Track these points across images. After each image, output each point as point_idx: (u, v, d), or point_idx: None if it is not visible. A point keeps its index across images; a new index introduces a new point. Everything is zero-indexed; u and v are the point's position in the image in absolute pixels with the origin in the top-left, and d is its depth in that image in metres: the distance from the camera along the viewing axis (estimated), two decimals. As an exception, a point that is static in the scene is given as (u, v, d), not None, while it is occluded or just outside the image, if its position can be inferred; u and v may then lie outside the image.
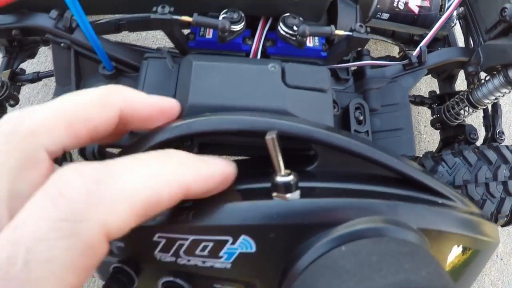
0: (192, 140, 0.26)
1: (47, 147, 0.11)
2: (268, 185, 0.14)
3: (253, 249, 0.13)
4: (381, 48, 0.65)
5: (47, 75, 0.44)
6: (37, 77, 0.44)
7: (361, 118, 0.34)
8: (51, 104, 0.12)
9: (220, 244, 0.13)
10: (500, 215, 0.40)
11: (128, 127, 0.14)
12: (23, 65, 0.45)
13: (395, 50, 0.63)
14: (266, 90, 0.27)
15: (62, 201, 0.09)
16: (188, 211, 0.13)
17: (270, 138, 0.12)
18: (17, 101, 0.44)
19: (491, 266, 0.65)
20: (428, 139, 0.64)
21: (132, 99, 0.14)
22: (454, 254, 0.16)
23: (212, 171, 0.13)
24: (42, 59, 0.62)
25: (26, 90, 0.62)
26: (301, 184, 0.14)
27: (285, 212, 0.13)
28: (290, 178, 0.13)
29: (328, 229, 0.13)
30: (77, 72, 0.35)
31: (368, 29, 0.32)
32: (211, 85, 0.27)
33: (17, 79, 0.44)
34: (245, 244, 0.13)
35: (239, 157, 0.20)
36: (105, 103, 0.13)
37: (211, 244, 0.13)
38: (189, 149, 0.28)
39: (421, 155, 0.47)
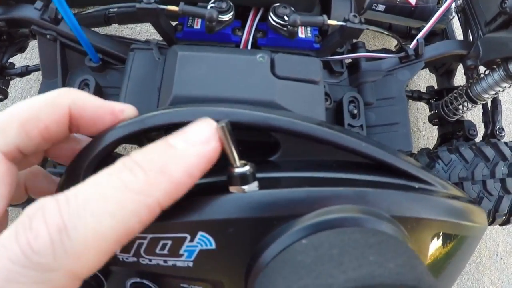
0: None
1: (0, 147, 0.12)
2: (225, 178, 0.13)
3: (213, 246, 0.12)
4: (379, 43, 0.64)
5: (36, 68, 0.43)
6: (26, 71, 0.43)
7: (355, 112, 0.33)
8: (6, 109, 0.13)
9: (179, 242, 0.12)
10: (498, 213, 0.39)
11: (81, 130, 0.14)
12: (17, 61, 0.45)
13: (393, 45, 0.62)
14: (254, 81, 0.26)
15: (31, 253, 0.09)
16: None
17: (220, 127, 0.12)
18: (5, 95, 0.43)
19: (491, 265, 0.64)
20: (427, 135, 0.63)
21: (81, 100, 0.14)
22: (437, 242, 0.15)
23: (188, 165, 0.11)
24: (36, 54, 0.62)
25: (19, 85, 0.61)
26: (261, 175, 0.13)
27: (243, 206, 0.12)
28: (246, 168, 0.12)
29: (291, 221, 0.12)
30: (64, 64, 0.34)
31: (363, 19, 0.31)
32: (197, 76, 0.26)
33: (5, 73, 0.43)
34: (204, 241, 0.12)
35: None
36: (54, 103, 0.13)
37: (169, 242, 0.12)
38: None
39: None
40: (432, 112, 0.47)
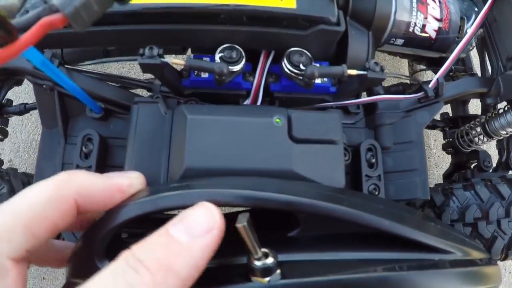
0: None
1: (9, 255, 0.12)
2: (245, 260, 0.13)
3: None
4: (391, 65, 0.61)
5: (34, 107, 0.41)
6: (24, 109, 0.41)
7: (373, 160, 0.31)
8: (6, 208, 0.12)
9: None
10: (511, 251, 0.39)
11: (90, 211, 0.14)
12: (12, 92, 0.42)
13: (404, 63, 0.60)
14: (271, 148, 0.24)
15: None
16: None
17: (242, 226, 0.12)
18: (5, 135, 0.41)
19: (496, 280, 0.64)
20: (438, 154, 0.62)
21: (87, 187, 0.13)
22: None
23: (193, 258, 0.11)
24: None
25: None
26: (282, 257, 0.14)
27: None
28: (268, 261, 0.13)
29: None
30: (63, 113, 0.32)
31: (384, 67, 0.29)
32: (208, 144, 0.24)
33: (4, 111, 0.41)
34: None
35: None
36: (59, 198, 0.13)
37: None
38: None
39: (430, 175, 0.45)
40: (446, 140, 0.45)
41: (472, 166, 0.45)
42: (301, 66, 0.29)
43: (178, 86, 0.30)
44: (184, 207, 0.16)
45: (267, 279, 0.13)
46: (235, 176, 0.23)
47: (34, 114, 0.59)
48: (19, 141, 0.57)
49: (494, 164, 0.44)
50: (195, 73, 0.30)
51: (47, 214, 0.13)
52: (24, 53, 0.19)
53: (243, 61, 0.29)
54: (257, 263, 0.13)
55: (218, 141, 0.24)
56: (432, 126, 0.46)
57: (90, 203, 0.14)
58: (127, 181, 0.15)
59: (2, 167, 0.39)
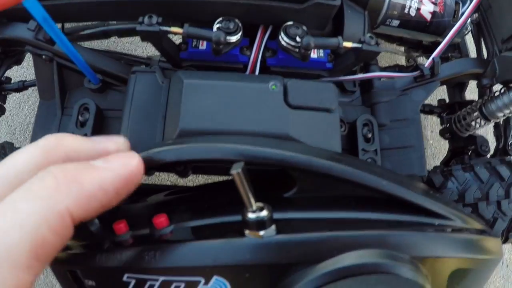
0: (185, 166, 0.24)
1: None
2: (240, 217, 0.13)
3: None
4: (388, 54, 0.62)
5: (33, 84, 0.41)
6: (22, 86, 0.41)
7: (369, 135, 0.31)
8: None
9: (192, 285, 0.12)
10: (511, 233, 0.38)
11: None
12: (11, 71, 0.43)
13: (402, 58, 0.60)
14: (266, 112, 0.24)
15: None
16: (153, 251, 0.13)
17: (236, 173, 0.11)
18: (3, 111, 0.41)
19: (496, 273, 0.64)
20: (435, 145, 0.62)
21: (75, 151, 0.13)
22: (454, 276, 0.15)
23: (102, 178, 0.11)
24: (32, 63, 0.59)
25: (16, 95, 0.59)
26: (277, 215, 0.13)
27: (260, 251, 0.12)
28: (263, 214, 0.12)
29: (310, 267, 0.12)
30: (61, 85, 0.32)
31: (379, 41, 0.29)
32: (204, 107, 0.24)
33: (2, 88, 0.41)
34: (219, 285, 0.12)
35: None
36: (48, 163, 0.12)
37: (182, 285, 0.12)
38: (182, 173, 0.25)
39: (427, 165, 0.44)
40: (443, 126, 0.45)
41: (469, 152, 0.45)
42: (297, 39, 0.29)
43: (176, 58, 0.30)
44: (181, 162, 0.16)
45: (261, 233, 0.12)
46: (231, 135, 0.23)
47: (32, 98, 0.59)
48: (16, 124, 0.57)
49: (491, 150, 0.44)
50: (193, 45, 0.30)
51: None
52: (25, 3, 0.20)
53: (240, 33, 0.29)
54: (251, 216, 0.12)
55: (213, 105, 0.24)
56: (429, 111, 0.46)
57: None
58: (114, 146, 0.15)
59: (-1, 144, 0.39)
